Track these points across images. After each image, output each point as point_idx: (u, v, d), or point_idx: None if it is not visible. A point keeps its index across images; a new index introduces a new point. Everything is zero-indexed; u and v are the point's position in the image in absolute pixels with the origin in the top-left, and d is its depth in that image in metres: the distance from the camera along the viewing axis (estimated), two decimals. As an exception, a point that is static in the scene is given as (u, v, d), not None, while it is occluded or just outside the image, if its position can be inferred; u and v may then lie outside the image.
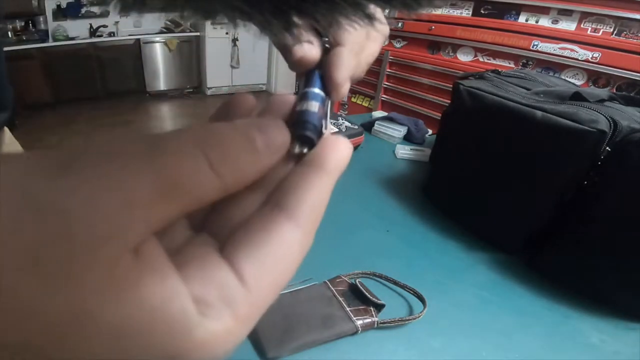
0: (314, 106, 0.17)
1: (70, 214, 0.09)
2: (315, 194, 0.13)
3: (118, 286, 0.09)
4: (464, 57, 2.11)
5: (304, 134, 0.15)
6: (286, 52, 0.19)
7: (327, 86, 0.19)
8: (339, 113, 0.95)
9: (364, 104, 2.73)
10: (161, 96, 4.29)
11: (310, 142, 0.15)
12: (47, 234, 0.08)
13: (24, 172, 0.09)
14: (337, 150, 0.14)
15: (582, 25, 1.68)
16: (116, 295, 0.09)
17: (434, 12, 2.10)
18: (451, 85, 0.61)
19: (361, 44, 0.21)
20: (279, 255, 0.11)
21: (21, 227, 0.08)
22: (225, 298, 0.10)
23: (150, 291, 0.09)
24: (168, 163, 0.10)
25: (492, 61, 1.99)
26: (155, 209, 0.10)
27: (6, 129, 0.53)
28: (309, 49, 0.19)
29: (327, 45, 0.20)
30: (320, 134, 0.16)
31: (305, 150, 0.15)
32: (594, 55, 1.62)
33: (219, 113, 0.17)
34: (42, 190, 0.09)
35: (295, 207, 0.12)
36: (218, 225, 0.13)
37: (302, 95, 0.17)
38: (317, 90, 0.18)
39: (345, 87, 0.18)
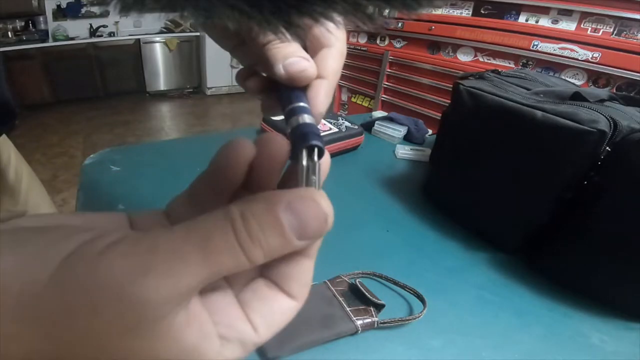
0: (308, 118, 0.17)
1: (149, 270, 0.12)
2: (304, 274, 0.16)
3: (172, 328, 0.13)
4: (464, 57, 2.11)
5: (311, 144, 0.15)
6: (272, 65, 0.18)
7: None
8: (339, 113, 0.94)
9: (364, 104, 2.73)
10: (161, 96, 4.30)
11: (320, 150, 0.15)
12: (137, 277, 0.12)
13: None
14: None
15: (582, 25, 1.68)
16: (170, 336, 0.13)
17: (434, 12, 2.10)
18: (451, 85, 0.61)
19: (339, 71, 0.21)
20: (281, 317, 0.16)
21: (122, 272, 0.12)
22: (240, 339, 0.15)
23: (193, 334, 0.14)
24: (209, 240, 0.13)
25: (492, 61, 2.00)
26: (201, 271, 0.13)
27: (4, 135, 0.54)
28: (311, 66, 0.18)
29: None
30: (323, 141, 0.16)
31: (316, 159, 0.15)
32: (594, 55, 1.62)
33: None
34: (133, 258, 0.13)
35: (291, 287, 0.16)
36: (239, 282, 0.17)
37: (292, 111, 0.17)
38: (302, 104, 0.18)
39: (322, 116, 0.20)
